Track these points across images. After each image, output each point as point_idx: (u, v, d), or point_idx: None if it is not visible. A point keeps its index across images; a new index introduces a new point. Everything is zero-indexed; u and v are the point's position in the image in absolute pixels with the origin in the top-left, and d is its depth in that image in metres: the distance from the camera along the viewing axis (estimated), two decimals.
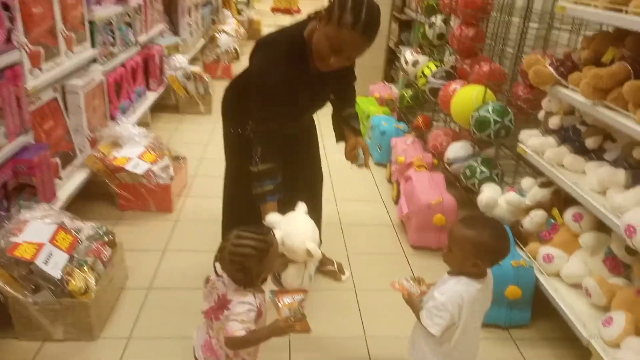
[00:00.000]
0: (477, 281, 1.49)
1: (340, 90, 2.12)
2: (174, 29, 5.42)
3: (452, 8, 3.39)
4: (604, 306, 1.88)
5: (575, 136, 2.22)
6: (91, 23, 3.03)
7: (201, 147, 3.93)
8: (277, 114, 1.82)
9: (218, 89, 4.47)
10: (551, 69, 2.21)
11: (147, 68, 4.22)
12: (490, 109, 2.59)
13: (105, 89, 3.19)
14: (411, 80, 4.07)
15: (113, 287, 2.14)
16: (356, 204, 3.23)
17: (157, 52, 4.33)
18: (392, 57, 5.28)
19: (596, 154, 2.14)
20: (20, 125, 2.18)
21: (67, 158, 2.69)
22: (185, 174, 3.30)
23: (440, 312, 1.45)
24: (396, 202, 3.17)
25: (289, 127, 2.00)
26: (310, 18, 1.85)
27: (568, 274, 2.05)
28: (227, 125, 2.14)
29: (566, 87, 2.13)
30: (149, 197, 2.88)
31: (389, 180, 3.54)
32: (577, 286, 2.02)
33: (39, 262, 1.83)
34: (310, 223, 1.74)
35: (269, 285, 1.73)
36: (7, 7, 2.05)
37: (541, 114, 2.51)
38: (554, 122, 2.34)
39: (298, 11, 11.51)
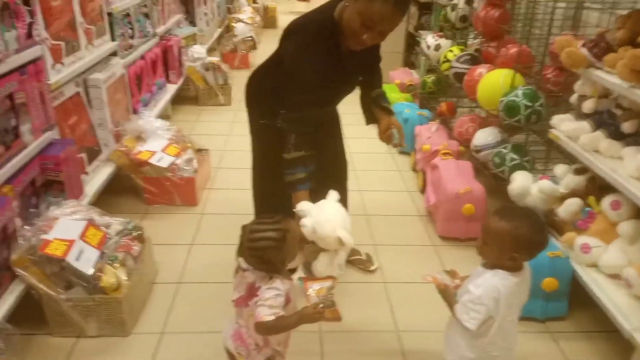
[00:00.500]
0: (514, 274, 1.45)
1: (367, 71, 2.09)
2: (191, 19, 5.38)
3: None
4: None
5: (610, 120, 2.15)
6: (109, 15, 3.01)
7: (222, 138, 3.91)
8: (313, 99, 1.81)
9: (237, 79, 4.46)
10: (585, 51, 2.14)
11: (166, 60, 4.19)
12: (520, 93, 2.51)
13: (127, 82, 3.18)
14: (433, 65, 3.98)
15: (144, 282, 2.14)
16: (380, 194, 3.18)
17: (176, 43, 4.30)
18: (412, 42, 5.18)
19: (633, 139, 2.06)
20: (45, 121, 2.16)
21: (93, 153, 2.68)
22: (208, 167, 3.29)
23: (476, 306, 1.42)
24: (422, 191, 3.12)
25: (320, 114, 1.97)
26: None
27: (607, 264, 1.99)
28: (254, 115, 2.11)
29: (601, 69, 2.05)
30: (174, 191, 2.87)
31: (414, 169, 3.47)
32: (616, 277, 1.95)
33: (71, 259, 1.83)
34: (341, 211, 1.71)
35: (299, 275, 1.72)
36: (26, 1, 2.02)
37: (573, 98, 2.43)
38: (588, 105, 2.26)
39: None
